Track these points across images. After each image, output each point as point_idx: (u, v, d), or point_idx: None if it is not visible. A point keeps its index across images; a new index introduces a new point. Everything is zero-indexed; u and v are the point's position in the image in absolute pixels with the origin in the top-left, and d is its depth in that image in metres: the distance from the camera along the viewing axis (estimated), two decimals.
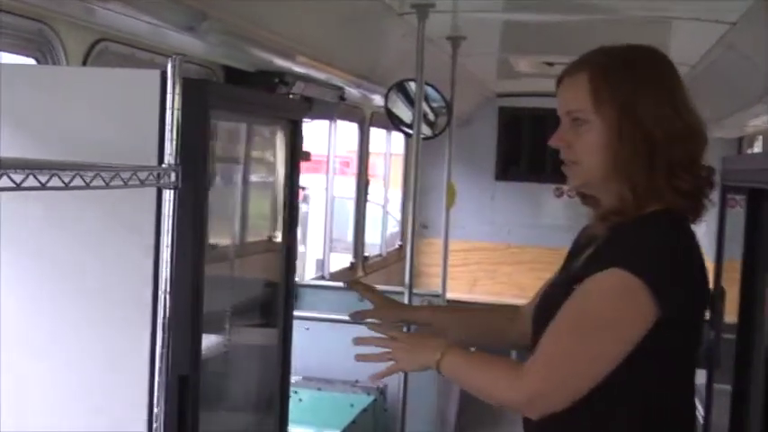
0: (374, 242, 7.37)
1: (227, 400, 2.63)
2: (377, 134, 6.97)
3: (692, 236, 1.94)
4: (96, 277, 2.03)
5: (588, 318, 1.83)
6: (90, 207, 2.00)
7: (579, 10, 4.34)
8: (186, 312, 2.00)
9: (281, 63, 4.13)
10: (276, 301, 2.68)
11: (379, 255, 7.16)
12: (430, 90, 5.33)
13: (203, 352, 2.14)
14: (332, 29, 4.28)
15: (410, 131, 4.94)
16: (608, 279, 1.82)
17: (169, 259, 1.88)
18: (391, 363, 1.97)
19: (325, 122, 5.84)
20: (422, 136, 5.40)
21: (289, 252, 2.61)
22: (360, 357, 2.00)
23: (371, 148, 6.79)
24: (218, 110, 2.11)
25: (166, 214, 1.87)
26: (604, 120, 1.91)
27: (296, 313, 4.64)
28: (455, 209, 8.09)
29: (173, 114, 1.85)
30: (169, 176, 1.85)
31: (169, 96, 1.85)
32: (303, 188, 5.50)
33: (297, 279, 5.35)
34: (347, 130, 6.51)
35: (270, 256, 2.67)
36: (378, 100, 5.49)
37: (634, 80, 1.93)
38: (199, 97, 1.97)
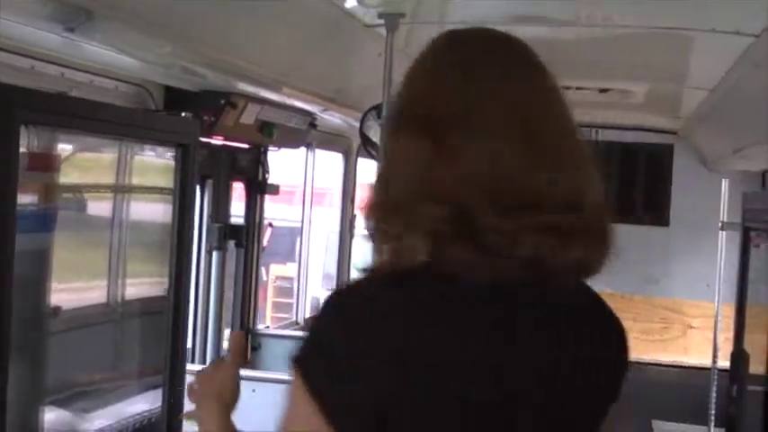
0: None
1: None
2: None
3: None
4: None
5: None
6: None
7: (590, 22, 3.75)
8: None
9: (229, 82, 3.58)
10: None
11: None
12: None
13: None
14: (290, 44, 3.72)
15: None
16: None
17: None
18: None
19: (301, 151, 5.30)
20: None
21: (176, 313, 2.00)
22: None
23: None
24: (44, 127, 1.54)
25: None
26: None
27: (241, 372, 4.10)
28: None
29: None
30: None
31: None
32: (270, 224, 4.96)
33: (260, 326, 4.78)
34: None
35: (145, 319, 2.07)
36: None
37: None
38: None
